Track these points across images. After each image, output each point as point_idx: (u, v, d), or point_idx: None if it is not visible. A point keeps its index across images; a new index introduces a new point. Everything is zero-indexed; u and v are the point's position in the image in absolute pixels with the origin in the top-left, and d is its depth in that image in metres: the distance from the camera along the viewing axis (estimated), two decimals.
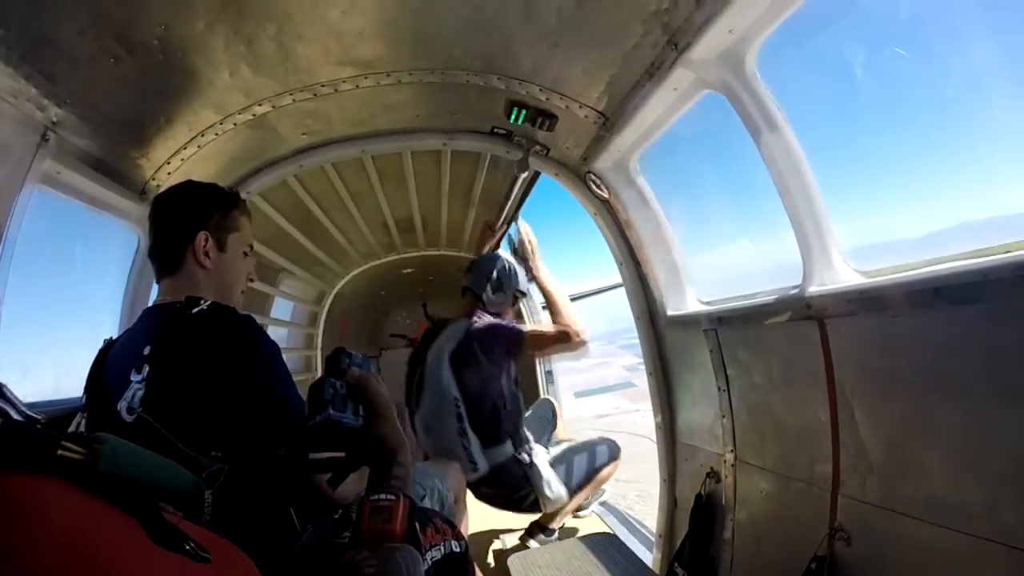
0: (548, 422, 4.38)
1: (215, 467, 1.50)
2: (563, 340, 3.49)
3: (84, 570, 0.61)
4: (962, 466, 1.63)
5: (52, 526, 0.62)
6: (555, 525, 3.84)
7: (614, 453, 3.86)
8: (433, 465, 2.91)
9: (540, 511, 3.68)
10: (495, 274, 3.68)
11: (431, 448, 3.58)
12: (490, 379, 3.52)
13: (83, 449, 0.76)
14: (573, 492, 3.66)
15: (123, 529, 0.70)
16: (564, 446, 3.83)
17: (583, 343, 3.51)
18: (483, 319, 3.62)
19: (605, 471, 3.82)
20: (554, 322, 3.55)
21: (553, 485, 3.54)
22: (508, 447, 3.58)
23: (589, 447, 3.81)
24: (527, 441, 3.64)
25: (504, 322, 3.67)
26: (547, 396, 4.60)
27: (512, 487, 3.63)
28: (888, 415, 1.88)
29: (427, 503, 2.48)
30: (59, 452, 0.73)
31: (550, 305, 3.63)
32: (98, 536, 0.66)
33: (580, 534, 3.24)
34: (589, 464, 3.74)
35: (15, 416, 0.79)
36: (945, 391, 1.67)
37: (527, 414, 4.19)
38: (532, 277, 3.73)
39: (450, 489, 2.83)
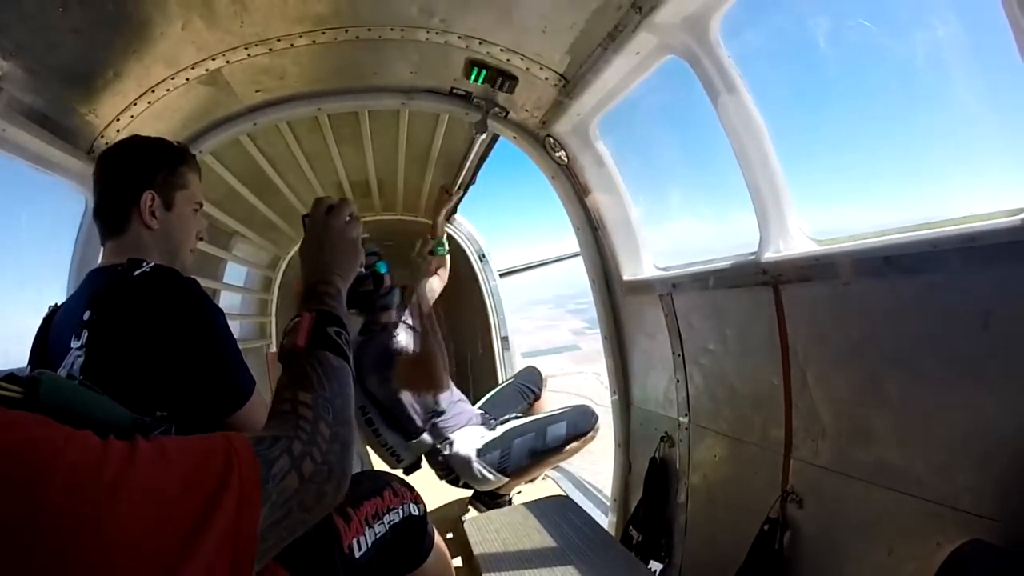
0: (524, 394, 4.16)
1: (162, 427, 1.45)
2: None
3: (30, 467, 0.61)
4: (911, 431, 1.67)
5: None
6: (503, 492, 3.76)
7: (578, 429, 3.62)
8: None
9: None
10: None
11: None
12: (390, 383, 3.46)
13: (21, 388, 0.75)
14: (513, 474, 3.55)
15: (65, 431, 0.68)
16: (509, 426, 3.64)
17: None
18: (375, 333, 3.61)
19: (568, 448, 3.62)
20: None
21: (482, 472, 3.47)
22: (427, 438, 3.58)
23: (538, 428, 3.60)
24: (446, 433, 3.58)
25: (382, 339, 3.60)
26: (533, 365, 4.42)
27: (443, 471, 3.64)
28: (840, 380, 1.93)
29: (355, 464, 2.49)
30: None
31: None
32: (40, 436, 0.65)
33: (535, 498, 3.27)
34: (534, 445, 3.54)
35: None
36: (895, 357, 1.72)
37: (508, 382, 4.23)
38: None
39: (364, 448, 2.83)
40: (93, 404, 0.87)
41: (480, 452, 3.49)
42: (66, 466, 0.63)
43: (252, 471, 0.78)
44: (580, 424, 3.61)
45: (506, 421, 3.71)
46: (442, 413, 3.60)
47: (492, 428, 3.64)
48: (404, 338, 3.64)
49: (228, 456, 0.77)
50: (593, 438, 3.69)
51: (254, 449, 0.82)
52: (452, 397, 3.73)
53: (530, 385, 4.20)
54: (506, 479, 3.53)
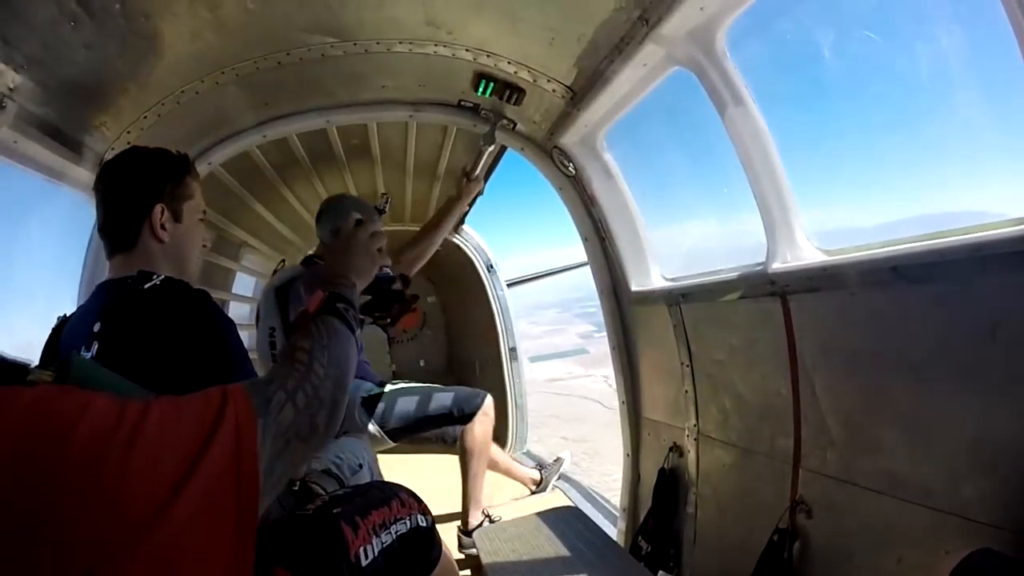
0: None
1: None
2: None
3: (56, 427, 0.70)
4: (920, 440, 1.67)
5: (24, 405, 0.71)
6: (473, 525, 3.68)
7: (464, 406, 3.60)
8: (352, 438, 2.90)
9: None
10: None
11: None
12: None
13: (53, 371, 0.85)
14: (393, 432, 3.48)
15: (87, 395, 0.78)
16: (398, 386, 3.58)
17: None
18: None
19: (471, 445, 3.61)
20: None
21: (363, 420, 3.43)
22: None
23: (424, 393, 3.58)
24: None
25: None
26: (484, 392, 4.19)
27: None
28: (848, 390, 1.93)
29: (365, 474, 2.51)
30: (29, 377, 0.81)
31: None
32: (65, 401, 0.74)
33: (544, 509, 3.27)
34: (417, 409, 3.51)
35: None
36: (903, 367, 1.72)
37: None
38: None
39: (374, 458, 2.83)
40: (118, 384, 0.96)
41: (364, 401, 3.47)
42: (89, 423, 0.72)
43: (247, 406, 0.88)
44: (467, 402, 3.62)
45: (396, 383, 3.66)
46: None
47: (382, 386, 3.58)
48: None
49: (223, 397, 0.87)
50: (485, 422, 3.66)
51: (249, 389, 0.94)
52: (361, 356, 3.60)
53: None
54: (388, 439, 3.49)
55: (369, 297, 1.64)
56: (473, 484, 3.72)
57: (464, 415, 3.60)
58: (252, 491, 0.81)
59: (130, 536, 0.69)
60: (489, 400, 3.69)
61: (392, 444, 3.53)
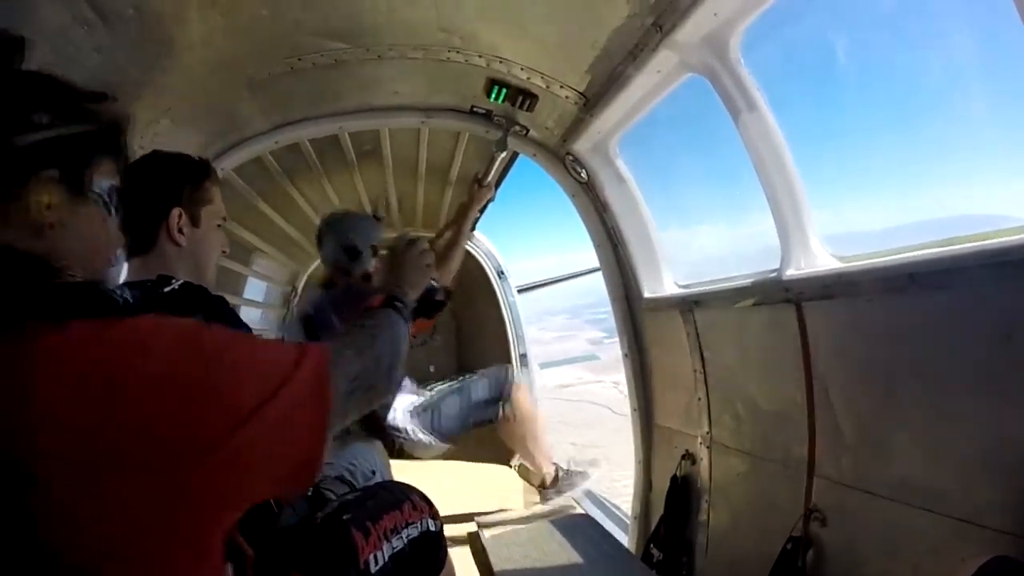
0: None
1: None
2: None
3: (189, 334, 0.87)
4: (935, 448, 1.66)
5: (150, 326, 0.84)
6: (550, 479, 3.84)
7: (500, 384, 3.71)
8: (365, 444, 2.92)
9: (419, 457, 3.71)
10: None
11: None
12: None
13: None
14: (447, 435, 3.60)
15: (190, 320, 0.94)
16: (437, 389, 3.71)
17: None
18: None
19: (515, 399, 3.67)
20: None
21: (416, 433, 3.53)
22: None
23: (462, 386, 3.73)
24: None
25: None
26: (507, 365, 4.20)
27: (374, 432, 3.54)
28: (863, 397, 1.91)
29: (377, 477, 2.53)
30: None
31: None
32: (180, 321, 0.90)
33: (556, 516, 3.26)
34: (464, 403, 3.64)
35: None
36: (919, 374, 1.70)
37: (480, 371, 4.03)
38: None
39: (387, 464, 2.86)
40: None
41: (412, 415, 3.56)
42: (212, 335, 0.91)
43: (325, 353, 1.02)
44: (501, 379, 3.75)
45: (432, 388, 3.78)
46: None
47: (422, 393, 3.71)
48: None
49: (303, 345, 1.02)
50: (521, 389, 3.77)
51: (324, 342, 1.12)
52: None
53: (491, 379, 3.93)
54: (443, 444, 3.61)
55: (415, 306, 1.72)
56: (534, 445, 3.82)
57: (501, 393, 3.71)
58: (323, 409, 0.97)
59: (226, 432, 0.81)
60: (514, 371, 3.86)
61: (446, 448, 3.67)
